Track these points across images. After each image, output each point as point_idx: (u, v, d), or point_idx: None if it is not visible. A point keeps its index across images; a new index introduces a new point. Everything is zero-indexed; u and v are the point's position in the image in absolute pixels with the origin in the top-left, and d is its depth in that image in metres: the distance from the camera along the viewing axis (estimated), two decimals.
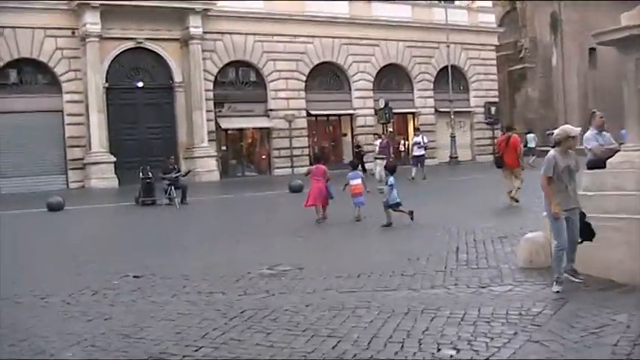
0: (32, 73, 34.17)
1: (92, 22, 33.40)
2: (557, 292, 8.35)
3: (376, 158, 30.33)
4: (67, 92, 34.24)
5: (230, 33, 37.94)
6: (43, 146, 33.33)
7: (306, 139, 40.75)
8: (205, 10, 36.26)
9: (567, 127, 8.97)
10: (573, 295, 8.26)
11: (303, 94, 40.35)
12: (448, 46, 43.87)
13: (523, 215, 16.01)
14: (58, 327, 7.86)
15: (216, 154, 37.21)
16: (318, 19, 40.12)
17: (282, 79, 39.63)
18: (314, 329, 7.25)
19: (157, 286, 9.98)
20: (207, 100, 36.69)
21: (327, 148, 42.24)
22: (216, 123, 37.70)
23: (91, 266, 12.00)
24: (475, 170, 36.12)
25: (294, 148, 39.71)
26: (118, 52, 35.12)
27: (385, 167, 17.46)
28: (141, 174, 24.51)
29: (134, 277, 10.68)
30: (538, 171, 9.02)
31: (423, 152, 31.08)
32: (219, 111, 38.06)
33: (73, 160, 34.22)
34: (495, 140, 34.11)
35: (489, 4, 48.90)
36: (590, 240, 8.74)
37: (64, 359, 6.70)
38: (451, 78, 43.72)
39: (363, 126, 41.98)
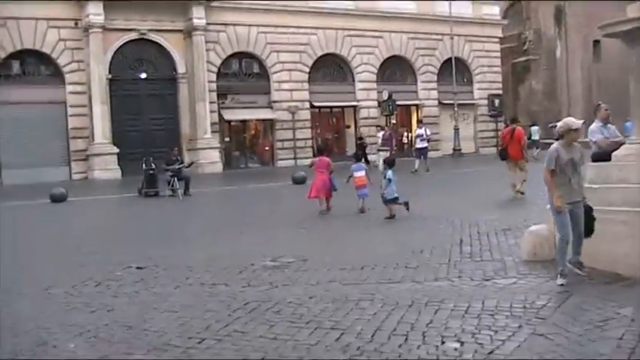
0: (35, 64, 34.16)
1: (95, 12, 33.38)
2: (562, 285, 8.32)
3: (379, 150, 30.33)
4: (70, 83, 34.23)
5: (233, 24, 37.88)
6: (46, 137, 33.29)
7: (310, 130, 40.73)
8: (208, 1, 36.22)
9: (569, 119, 8.91)
10: (578, 288, 8.22)
11: (306, 85, 40.31)
12: (452, 38, 43.78)
13: (527, 208, 15.97)
14: (61, 318, 7.84)
15: (219, 145, 37.20)
16: (321, 10, 40.06)
17: (286, 70, 39.58)
18: (317, 321, 7.22)
19: (160, 278, 9.96)
20: (210, 91, 36.67)
21: (331, 139, 42.15)
22: (220, 114, 37.69)
23: (94, 257, 11.99)
24: (478, 162, 36.05)
25: (298, 139, 39.68)
26: (121, 44, 35.11)
27: (384, 161, 17.41)
28: (144, 165, 24.51)
29: (137, 268, 10.67)
30: (542, 164, 8.98)
31: (425, 145, 30.99)
32: (223, 102, 38.04)
33: (76, 151, 34.26)
34: (499, 133, 34.07)
35: None
36: (588, 236, 8.68)
37: (66, 350, 6.68)
38: (455, 70, 43.59)
39: (366, 118, 41.95)
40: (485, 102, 46.89)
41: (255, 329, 7.05)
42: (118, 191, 27.53)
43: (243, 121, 39.99)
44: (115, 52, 35.01)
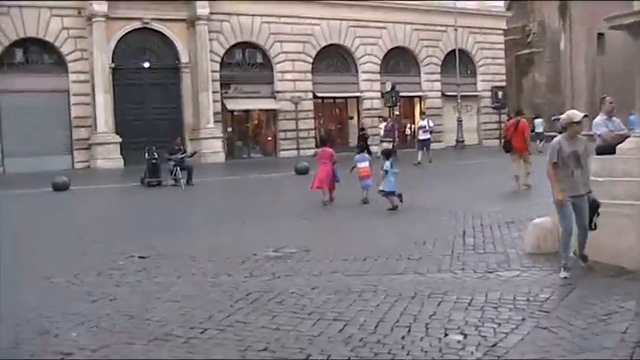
0: (38, 53, 34.11)
1: (98, 1, 33.27)
2: (565, 278, 8.29)
3: (382, 141, 30.29)
4: (73, 72, 34.17)
5: (237, 14, 37.76)
6: (48, 126, 33.26)
7: (312, 121, 40.69)
8: None
9: (571, 112, 8.87)
10: (581, 281, 8.20)
11: (309, 76, 40.23)
12: (456, 30, 43.68)
13: (530, 200, 15.95)
14: (63, 307, 7.82)
15: (222, 135, 37.16)
16: (325, 1, 39.95)
17: (289, 60, 39.50)
18: (320, 312, 7.21)
19: (162, 267, 9.94)
20: (213, 81, 36.62)
21: (333, 130, 42.11)
22: (223, 104, 37.64)
23: (96, 246, 11.99)
24: (481, 154, 36.00)
25: (300, 130, 39.63)
26: (125, 33, 35.03)
27: (382, 152, 17.37)
28: (146, 155, 24.45)
29: (139, 257, 10.65)
30: (545, 156, 8.94)
31: (428, 136, 30.92)
32: (226, 92, 37.99)
33: (79, 140, 34.23)
34: (502, 125, 34.01)
35: None
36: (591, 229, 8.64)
37: (68, 339, 6.66)
38: (458, 62, 43.55)
39: (369, 109, 41.86)
40: (489, 94, 46.81)
41: (258, 320, 7.04)
42: (120, 180, 27.53)
43: (246, 111, 39.94)
44: (119, 41, 34.93)
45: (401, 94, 40.27)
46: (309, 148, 35.27)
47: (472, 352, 5.91)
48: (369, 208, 15.96)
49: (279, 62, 39.29)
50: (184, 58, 36.52)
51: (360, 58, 42.02)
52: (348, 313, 7.13)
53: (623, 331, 6.28)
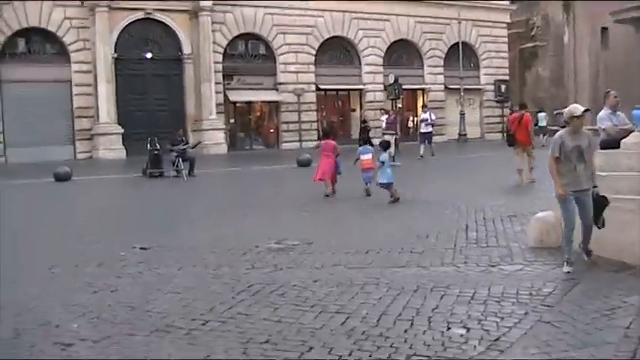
0: (40, 43, 34.00)
1: None
2: (568, 272, 8.26)
3: (384, 134, 30.18)
4: (76, 62, 34.11)
5: (240, 5, 37.64)
6: (50, 116, 33.22)
7: (315, 113, 40.62)
8: None
9: (573, 106, 8.82)
10: (584, 276, 8.17)
11: (312, 68, 40.14)
12: (459, 23, 43.53)
13: (533, 194, 15.92)
14: (64, 298, 7.81)
15: (224, 126, 37.13)
16: None
17: (292, 52, 39.41)
18: (322, 305, 7.19)
19: (163, 259, 9.92)
20: (216, 72, 36.52)
21: (336, 123, 42.01)
22: (225, 96, 37.58)
23: (97, 237, 11.97)
24: (484, 148, 35.96)
25: (303, 122, 39.58)
26: (127, 23, 34.93)
27: (379, 144, 17.34)
28: (148, 145, 24.45)
29: (141, 248, 10.64)
30: (549, 150, 8.90)
31: (430, 129, 30.79)
32: (228, 84, 37.92)
33: (81, 130, 34.18)
34: (505, 118, 33.93)
35: None
36: (600, 227, 8.57)
37: (69, 330, 6.64)
38: (462, 55, 43.41)
39: (372, 101, 41.75)
40: (492, 87, 46.73)
41: (259, 312, 7.02)
42: (122, 171, 27.53)
43: (249, 103, 39.87)
44: (121, 31, 34.84)
45: (404, 86, 40.02)
46: (312, 141, 35.15)
47: (475, 346, 5.89)
48: (371, 200, 15.93)
49: (281, 54, 39.21)
50: (187, 49, 36.44)
51: (364, 50, 41.93)
52: (351, 306, 7.11)
53: (626, 326, 6.26)
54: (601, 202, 8.50)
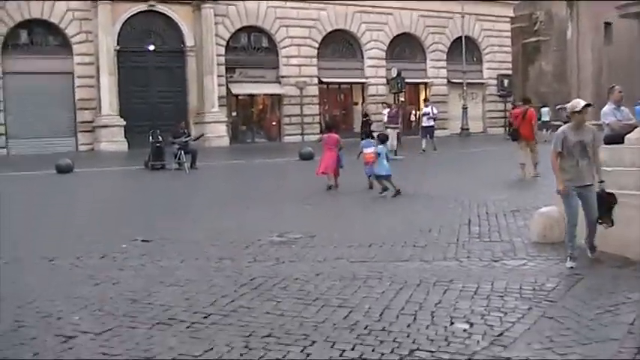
0: (43, 34, 33.98)
1: None
2: (571, 267, 8.23)
3: (386, 127, 30.12)
4: (78, 54, 34.07)
5: None
6: (52, 108, 33.19)
7: (317, 106, 40.56)
8: None
9: (575, 101, 8.76)
10: (588, 271, 8.13)
11: (315, 61, 40.08)
12: (462, 17, 43.41)
13: (536, 189, 15.86)
14: (66, 290, 7.79)
15: (226, 119, 37.09)
16: None
17: (295, 45, 39.34)
18: (325, 299, 7.16)
19: (166, 251, 9.91)
20: (218, 65, 36.48)
21: (338, 116, 41.96)
22: (227, 88, 37.53)
23: (99, 229, 11.96)
24: (487, 142, 35.89)
25: (305, 115, 39.52)
26: (130, 15, 34.88)
27: (377, 136, 17.31)
28: (151, 138, 24.44)
29: (143, 241, 10.62)
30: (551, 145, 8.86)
31: (432, 123, 30.70)
32: (231, 76, 37.88)
33: (83, 122, 34.18)
34: (508, 113, 33.85)
35: None
36: (610, 225, 8.49)
37: (71, 322, 6.62)
38: (465, 49, 43.28)
39: (374, 95, 41.66)
40: (495, 82, 46.63)
41: (262, 305, 6.99)
42: (124, 163, 27.51)
43: (251, 96, 39.82)
44: (124, 23, 34.79)
45: (406, 80, 39.95)
46: (314, 134, 35.20)
47: (478, 341, 5.86)
48: (373, 193, 15.89)
49: (284, 47, 39.14)
50: (190, 42, 36.38)
51: (366, 44, 41.84)
52: (353, 300, 7.08)
53: (630, 322, 6.22)
54: (608, 200, 8.44)
